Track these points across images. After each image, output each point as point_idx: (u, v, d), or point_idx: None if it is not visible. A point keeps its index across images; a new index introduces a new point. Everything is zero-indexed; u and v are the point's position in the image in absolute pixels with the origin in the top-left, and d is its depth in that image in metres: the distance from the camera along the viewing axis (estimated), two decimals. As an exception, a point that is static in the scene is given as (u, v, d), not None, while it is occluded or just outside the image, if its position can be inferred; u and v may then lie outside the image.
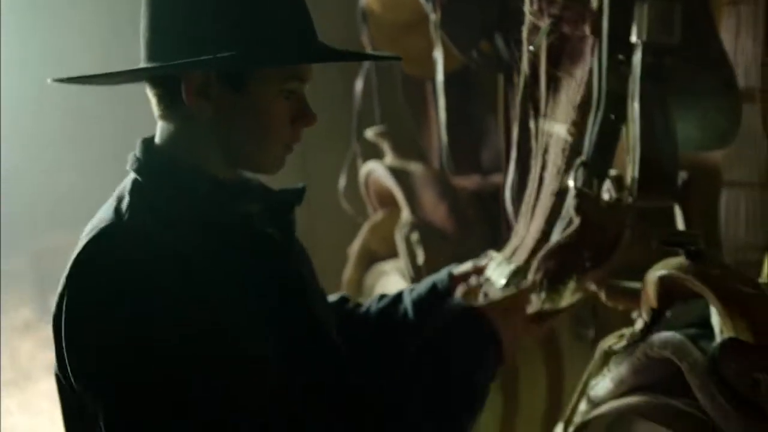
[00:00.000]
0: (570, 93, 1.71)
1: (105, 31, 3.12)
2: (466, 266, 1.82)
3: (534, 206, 1.81)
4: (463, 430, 1.46)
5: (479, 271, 1.81)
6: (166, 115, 1.34)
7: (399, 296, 1.74)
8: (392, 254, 2.78)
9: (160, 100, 1.33)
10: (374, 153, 3.03)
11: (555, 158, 1.76)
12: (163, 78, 1.31)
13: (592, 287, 1.77)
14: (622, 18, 1.70)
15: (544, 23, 1.52)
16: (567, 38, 1.57)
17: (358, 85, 3.08)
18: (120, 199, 1.30)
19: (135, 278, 1.18)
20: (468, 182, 2.65)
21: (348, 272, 3.06)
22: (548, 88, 1.60)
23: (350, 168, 3.11)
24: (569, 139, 1.75)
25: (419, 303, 1.72)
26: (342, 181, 3.14)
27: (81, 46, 3.10)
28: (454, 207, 2.50)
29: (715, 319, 1.42)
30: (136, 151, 1.37)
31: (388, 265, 2.87)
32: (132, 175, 1.35)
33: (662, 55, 1.73)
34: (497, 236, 2.36)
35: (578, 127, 1.77)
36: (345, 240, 3.11)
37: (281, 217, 1.44)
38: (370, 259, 2.99)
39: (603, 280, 1.79)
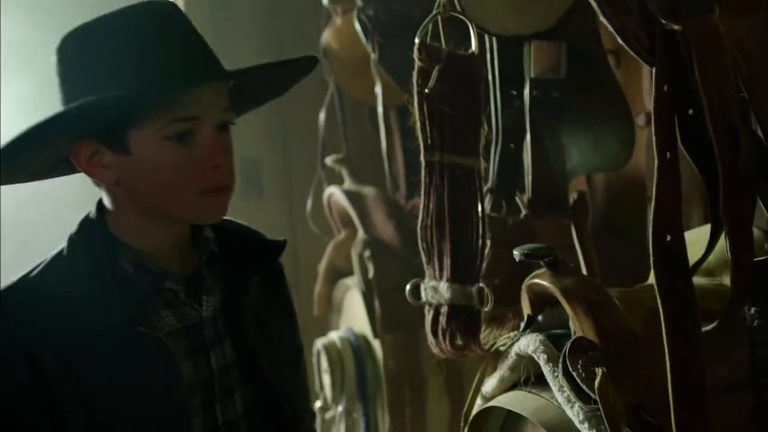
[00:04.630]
0: (470, 127, 1.92)
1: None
2: None
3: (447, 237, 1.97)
4: None
5: None
6: (95, 182, 1.34)
7: None
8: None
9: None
10: (339, 178, 3.27)
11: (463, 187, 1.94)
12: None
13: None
14: (511, 58, 1.93)
15: (435, 69, 1.74)
16: (457, 80, 1.79)
17: (322, 116, 3.33)
18: (38, 265, 1.32)
19: None
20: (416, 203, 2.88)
21: (318, 288, 3.31)
22: (444, 125, 1.81)
23: (316, 191, 3.35)
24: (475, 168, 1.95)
25: None
26: (309, 204, 3.38)
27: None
28: (400, 225, 2.73)
29: (570, 322, 1.63)
30: (90, 212, 1.38)
31: (351, 281, 3.10)
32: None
33: (549, 89, 1.95)
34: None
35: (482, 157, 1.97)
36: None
37: (234, 280, 1.39)
38: (336, 275, 3.23)
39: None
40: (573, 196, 2.00)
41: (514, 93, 1.95)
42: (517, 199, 1.99)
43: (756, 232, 1.60)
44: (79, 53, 1.26)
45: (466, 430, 1.86)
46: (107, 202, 1.33)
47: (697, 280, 1.61)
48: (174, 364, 1.28)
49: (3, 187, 1.35)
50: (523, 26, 1.90)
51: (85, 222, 1.34)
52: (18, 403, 1.19)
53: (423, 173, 1.86)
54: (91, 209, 1.36)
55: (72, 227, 1.38)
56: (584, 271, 1.99)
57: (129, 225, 1.31)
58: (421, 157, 1.83)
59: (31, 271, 1.30)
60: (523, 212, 1.97)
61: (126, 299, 1.27)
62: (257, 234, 1.50)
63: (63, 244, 1.35)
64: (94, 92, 1.21)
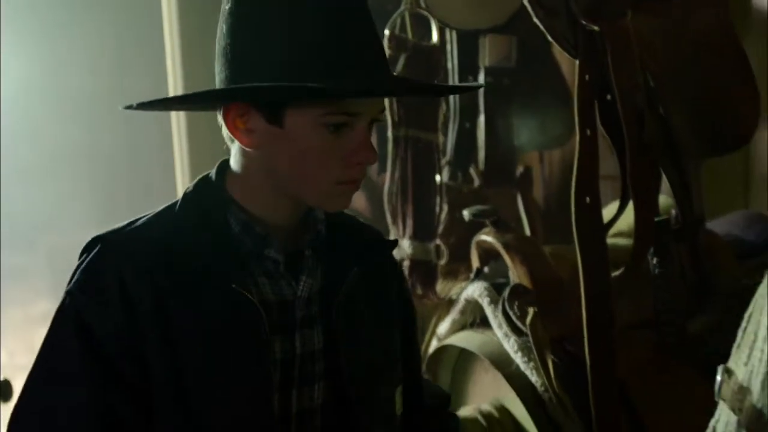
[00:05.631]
0: (431, 107, 2.23)
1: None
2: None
3: (410, 201, 2.30)
4: None
5: None
6: (229, 139, 1.27)
7: None
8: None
9: (222, 127, 1.26)
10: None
11: (424, 158, 2.27)
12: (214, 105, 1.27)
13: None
14: (468, 49, 2.24)
15: (402, 57, 2.05)
16: (421, 66, 2.10)
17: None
18: (154, 212, 1.31)
19: (81, 292, 1.21)
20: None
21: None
22: (409, 105, 2.12)
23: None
24: (434, 142, 2.27)
25: None
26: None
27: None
28: (372, 196, 3.02)
29: (510, 272, 1.95)
30: (210, 171, 1.33)
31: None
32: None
33: (501, 76, 2.26)
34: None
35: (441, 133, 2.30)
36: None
37: (334, 268, 1.32)
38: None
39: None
40: (520, 170, 2.31)
41: (471, 79, 2.25)
42: (471, 170, 2.30)
43: (664, 198, 1.93)
44: (266, 13, 1.20)
45: (424, 366, 2.17)
46: (235, 163, 1.27)
47: (615, 240, 1.93)
48: (264, 332, 1.22)
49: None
50: (479, 21, 2.21)
51: (203, 180, 1.31)
52: (105, 336, 1.18)
53: (390, 146, 2.17)
54: (211, 171, 1.32)
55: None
56: (528, 231, 2.32)
57: (251, 190, 1.26)
58: (389, 133, 2.14)
59: (140, 218, 1.29)
60: (477, 182, 2.28)
61: (227, 256, 1.23)
62: (367, 227, 1.44)
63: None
64: (270, 63, 1.17)
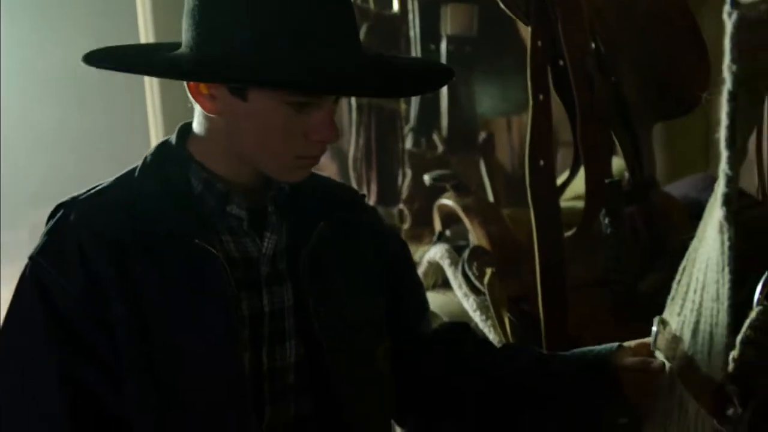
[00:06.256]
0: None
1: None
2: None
3: (374, 168, 2.37)
4: None
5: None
6: (193, 102, 1.25)
7: (543, 360, 1.42)
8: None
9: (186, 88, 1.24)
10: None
11: (387, 126, 2.33)
12: None
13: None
14: (430, 18, 2.29)
15: (364, 26, 2.10)
16: (384, 35, 2.15)
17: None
18: (116, 176, 1.30)
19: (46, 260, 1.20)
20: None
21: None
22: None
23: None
24: (396, 110, 2.33)
25: (572, 374, 1.36)
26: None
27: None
28: (342, 166, 3.09)
29: (469, 234, 2.01)
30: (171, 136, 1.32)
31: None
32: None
33: (463, 45, 2.31)
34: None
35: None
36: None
37: (300, 225, 1.31)
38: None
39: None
40: (483, 136, 2.37)
41: (433, 47, 2.30)
42: (434, 137, 2.35)
43: (618, 161, 1.99)
44: None
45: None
46: (198, 125, 1.26)
47: (574, 203, 1.99)
48: (230, 287, 1.21)
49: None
50: (440, -9, 2.26)
51: (163, 143, 1.30)
52: (67, 302, 1.18)
53: (355, 114, 2.23)
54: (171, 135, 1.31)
55: None
56: (491, 196, 2.38)
57: (213, 151, 1.25)
58: (353, 101, 2.19)
59: (102, 184, 1.28)
60: (440, 148, 2.34)
61: (190, 215, 1.23)
62: (338, 186, 1.46)
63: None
64: (239, 33, 1.14)
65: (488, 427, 1.43)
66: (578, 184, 1.91)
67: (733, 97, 1.07)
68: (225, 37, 1.16)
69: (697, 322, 1.18)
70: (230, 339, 1.23)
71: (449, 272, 1.97)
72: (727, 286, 1.07)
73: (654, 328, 1.30)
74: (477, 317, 1.88)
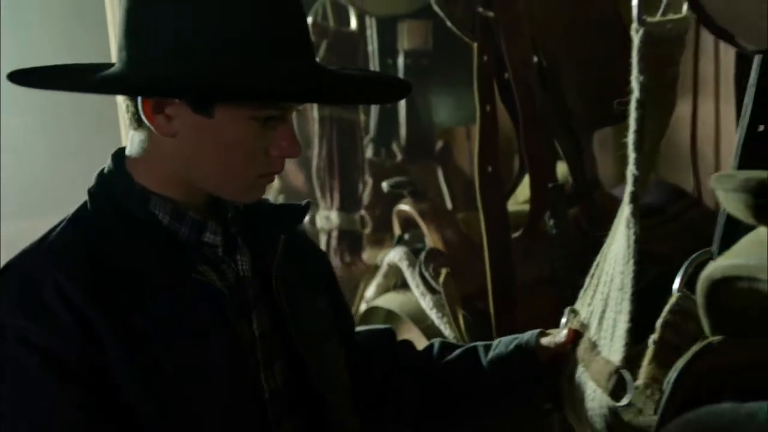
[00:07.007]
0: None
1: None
2: (558, 336, 1.43)
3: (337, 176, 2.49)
4: None
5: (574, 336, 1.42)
6: (133, 125, 1.18)
7: (471, 353, 1.47)
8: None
9: (127, 108, 1.17)
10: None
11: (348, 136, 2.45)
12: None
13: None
14: (388, 34, 2.42)
15: (323, 43, 2.23)
16: (342, 51, 2.28)
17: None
18: (60, 222, 1.21)
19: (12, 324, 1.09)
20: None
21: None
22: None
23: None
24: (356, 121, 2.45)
25: (499, 364, 1.43)
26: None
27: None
28: (309, 175, 3.20)
29: (426, 237, 2.14)
30: (105, 166, 1.23)
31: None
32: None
33: (420, 58, 2.44)
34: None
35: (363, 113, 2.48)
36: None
37: (264, 241, 1.28)
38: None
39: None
40: (440, 145, 2.50)
41: (391, 62, 2.43)
42: (394, 146, 2.47)
43: (563, 166, 2.12)
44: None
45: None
46: (140, 150, 1.19)
47: (524, 206, 2.12)
48: (230, 319, 1.18)
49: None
50: (396, 8, 2.38)
51: (105, 175, 1.22)
52: (69, 356, 1.09)
53: (317, 126, 2.35)
54: (106, 163, 1.23)
55: None
56: (449, 201, 2.51)
57: (165, 176, 1.18)
58: (315, 113, 2.32)
59: (52, 231, 1.19)
60: (399, 157, 2.46)
61: (165, 248, 1.18)
62: (273, 203, 1.40)
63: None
64: (201, 49, 1.09)
65: (428, 423, 1.48)
66: (528, 189, 2.05)
67: (640, 105, 1.21)
68: (188, 57, 1.11)
69: (603, 311, 1.31)
70: (241, 374, 1.20)
71: (407, 273, 2.09)
72: (630, 276, 1.20)
73: (563, 320, 1.42)
74: (433, 315, 2.00)
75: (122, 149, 1.22)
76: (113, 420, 1.10)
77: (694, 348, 1.10)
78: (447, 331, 1.97)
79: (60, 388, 1.08)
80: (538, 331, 1.44)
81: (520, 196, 2.29)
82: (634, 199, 1.21)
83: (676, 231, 2.00)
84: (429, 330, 2.01)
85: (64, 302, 1.09)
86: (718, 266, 1.05)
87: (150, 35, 1.12)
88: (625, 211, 1.24)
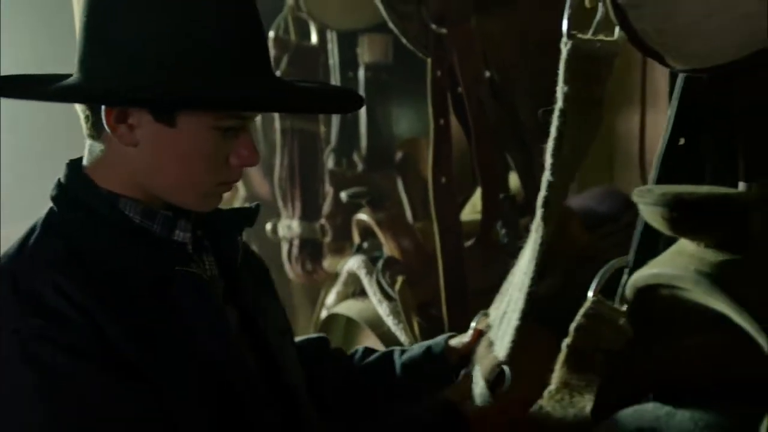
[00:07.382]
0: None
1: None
2: (465, 337, 1.53)
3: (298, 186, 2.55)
4: None
5: (479, 335, 1.53)
6: (92, 135, 1.19)
7: (388, 356, 1.55)
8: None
9: (86, 118, 1.19)
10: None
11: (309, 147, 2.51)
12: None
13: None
14: (348, 47, 2.48)
15: (284, 57, 2.29)
16: (303, 65, 2.34)
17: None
18: (32, 230, 1.20)
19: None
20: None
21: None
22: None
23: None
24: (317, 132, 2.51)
25: (411, 366, 1.51)
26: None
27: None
28: (272, 184, 3.26)
29: (383, 246, 2.20)
30: (61, 175, 1.24)
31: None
32: (50, 204, 1.23)
33: (380, 71, 2.50)
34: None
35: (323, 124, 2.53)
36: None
37: (225, 242, 1.31)
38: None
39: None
40: (399, 155, 2.55)
41: (351, 74, 2.49)
42: (354, 156, 2.53)
43: (515, 177, 2.19)
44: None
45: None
46: (97, 160, 1.21)
47: (475, 216, 2.19)
48: (219, 305, 1.24)
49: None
50: (356, 22, 2.44)
51: (64, 184, 1.23)
52: (91, 346, 1.10)
53: (279, 137, 2.41)
54: (59, 173, 1.24)
55: None
56: (409, 210, 2.56)
57: (128, 183, 1.20)
58: (276, 124, 2.38)
59: (27, 239, 1.20)
60: (360, 167, 2.52)
61: (144, 246, 1.20)
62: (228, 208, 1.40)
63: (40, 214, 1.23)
64: (160, 59, 1.12)
65: (350, 416, 1.54)
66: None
67: (562, 114, 1.27)
68: (147, 66, 1.13)
69: (505, 312, 1.40)
70: (235, 353, 1.24)
71: (365, 281, 2.15)
72: (530, 276, 1.27)
73: (473, 323, 1.52)
74: (390, 321, 2.06)
75: (78, 159, 1.24)
76: (153, 402, 1.13)
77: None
78: (403, 337, 2.03)
79: (99, 381, 1.10)
80: (449, 334, 1.56)
81: (479, 206, 2.36)
82: (546, 204, 1.28)
83: (628, 239, 2.07)
84: (385, 336, 2.07)
85: (68, 302, 1.11)
86: (642, 275, 1.11)
87: (113, 44, 1.14)
88: (536, 215, 1.30)
